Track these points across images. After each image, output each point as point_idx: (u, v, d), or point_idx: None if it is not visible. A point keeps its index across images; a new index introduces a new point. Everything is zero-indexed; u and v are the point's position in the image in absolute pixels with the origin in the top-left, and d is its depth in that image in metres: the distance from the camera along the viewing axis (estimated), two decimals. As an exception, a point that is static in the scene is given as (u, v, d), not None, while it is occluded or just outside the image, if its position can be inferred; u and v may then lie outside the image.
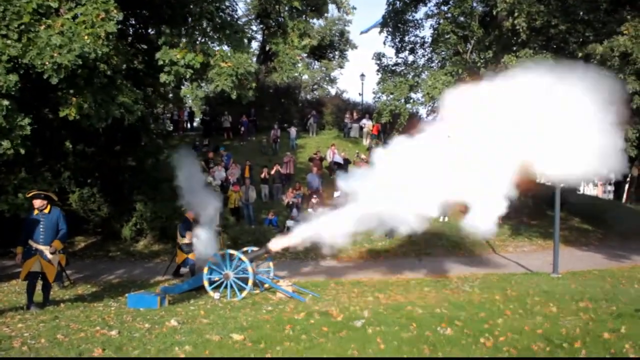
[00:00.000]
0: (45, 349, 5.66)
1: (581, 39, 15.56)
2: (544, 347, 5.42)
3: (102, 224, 16.74)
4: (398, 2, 20.80)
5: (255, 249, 11.09)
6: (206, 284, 10.08)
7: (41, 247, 8.60)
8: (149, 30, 13.47)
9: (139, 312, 8.14)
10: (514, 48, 16.23)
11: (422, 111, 21.93)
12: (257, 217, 18.65)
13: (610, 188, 35.45)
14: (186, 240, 12.03)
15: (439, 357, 5.16)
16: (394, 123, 20.79)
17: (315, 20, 19.31)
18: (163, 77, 10.81)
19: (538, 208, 20.13)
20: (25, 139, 8.98)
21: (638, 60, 13.74)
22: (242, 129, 26.27)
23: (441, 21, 19.54)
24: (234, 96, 11.08)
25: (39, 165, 12.76)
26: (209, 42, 11.25)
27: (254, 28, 28.00)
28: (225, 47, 11.59)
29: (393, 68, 21.37)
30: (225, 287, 10.04)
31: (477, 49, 19.34)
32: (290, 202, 19.00)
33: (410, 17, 21.50)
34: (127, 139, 15.78)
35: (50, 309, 8.42)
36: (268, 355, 5.33)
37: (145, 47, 13.15)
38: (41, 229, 8.61)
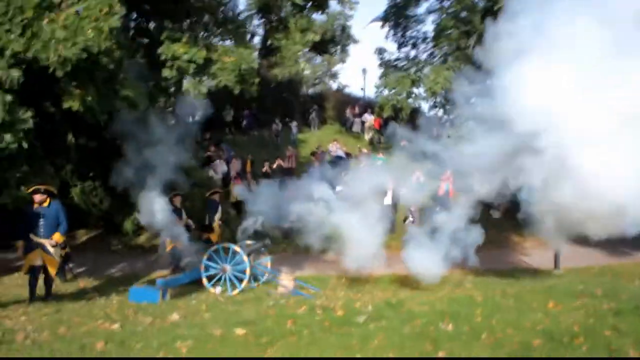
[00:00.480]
0: (48, 342, 5.70)
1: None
2: (544, 343, 5.43)
3: (103, 218, 16.75)
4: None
5: (249, 242, 11.09)
6: (205, 281, 10.11)
7: (42, 240, 8.63)
8: (151, 25, 13.41)
9: (140, 306, 8.18)
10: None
11: (425, 106, 21.94)
12: (259, 212, 18.57)
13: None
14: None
15: (438, 358, 5.18)
16: (395, 117, 20.78)
17: (316, 15, 19.28)
18: (165, 72, 10.80)
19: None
20: (27, 133, 8.99)
21: None
22: (244, 122, 26.22)
23: (443, 16, 19.49)
24: (236, 91, 11.08)
25: (41, 158, 12.75)
26: (211, 37, 11.23)
27: (256, 22, 27.93)
28: (227, 42, 11.58)
29: (395, 63, 21.34)
30: (225, 281, 10.07)
31: (480, 44, 19.23)
32: (292, 197, 18.92)
33: (412, 13, 21.46)
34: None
35: (53, 303, 8.45)
36: (270, 350, 5.36)
37: (147, 41, 13.11)
38: (41, 223, 8.63)
